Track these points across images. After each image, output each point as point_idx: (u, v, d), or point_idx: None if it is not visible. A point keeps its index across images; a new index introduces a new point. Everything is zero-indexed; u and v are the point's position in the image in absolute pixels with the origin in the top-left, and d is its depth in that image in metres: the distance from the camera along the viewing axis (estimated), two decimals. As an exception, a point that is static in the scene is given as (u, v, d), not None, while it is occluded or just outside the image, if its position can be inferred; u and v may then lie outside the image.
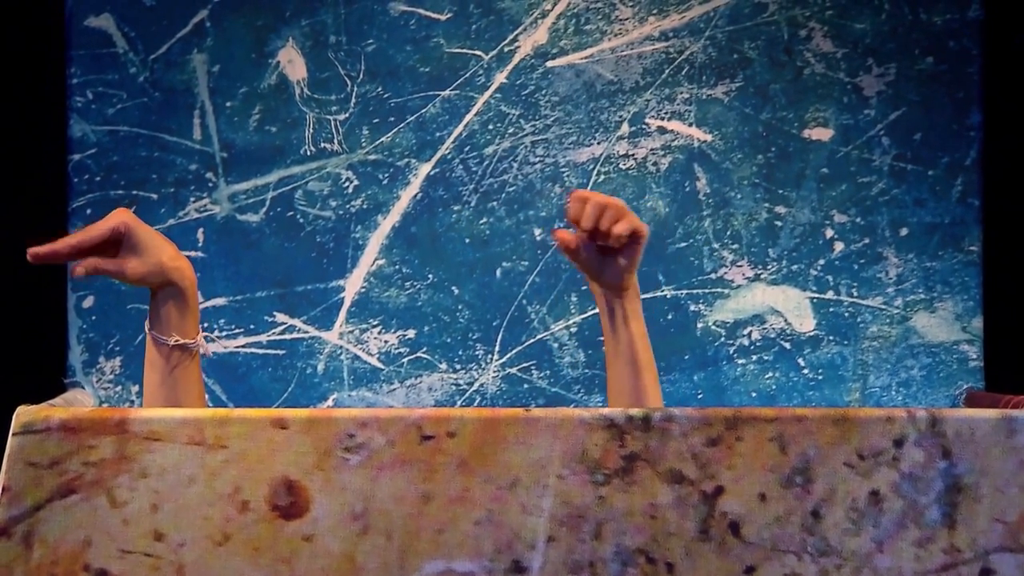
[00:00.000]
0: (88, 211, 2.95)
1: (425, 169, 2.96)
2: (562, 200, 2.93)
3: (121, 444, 1.20)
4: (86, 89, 2.99)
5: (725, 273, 2.90)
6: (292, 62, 2.99)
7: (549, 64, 2.96)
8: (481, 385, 2.92)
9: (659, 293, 2.89)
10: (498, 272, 2.92)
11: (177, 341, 1.88)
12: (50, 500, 1.19)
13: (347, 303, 2.95)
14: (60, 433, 1.21)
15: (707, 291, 2.90)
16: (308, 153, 2.97)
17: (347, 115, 2.98)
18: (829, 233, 2.90)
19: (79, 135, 2.98)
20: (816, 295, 2.89)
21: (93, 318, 2.96)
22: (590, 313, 2.89)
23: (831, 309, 2.89)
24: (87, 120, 2.98)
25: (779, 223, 2.90)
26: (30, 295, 2.91)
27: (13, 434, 1.21)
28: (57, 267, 2.93)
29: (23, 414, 1.22)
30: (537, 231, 2.92)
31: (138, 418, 1.21)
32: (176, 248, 1.84)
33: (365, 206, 2.96)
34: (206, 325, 2.96)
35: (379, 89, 2.98)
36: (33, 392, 2.64)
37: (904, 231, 2.88)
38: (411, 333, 2.94)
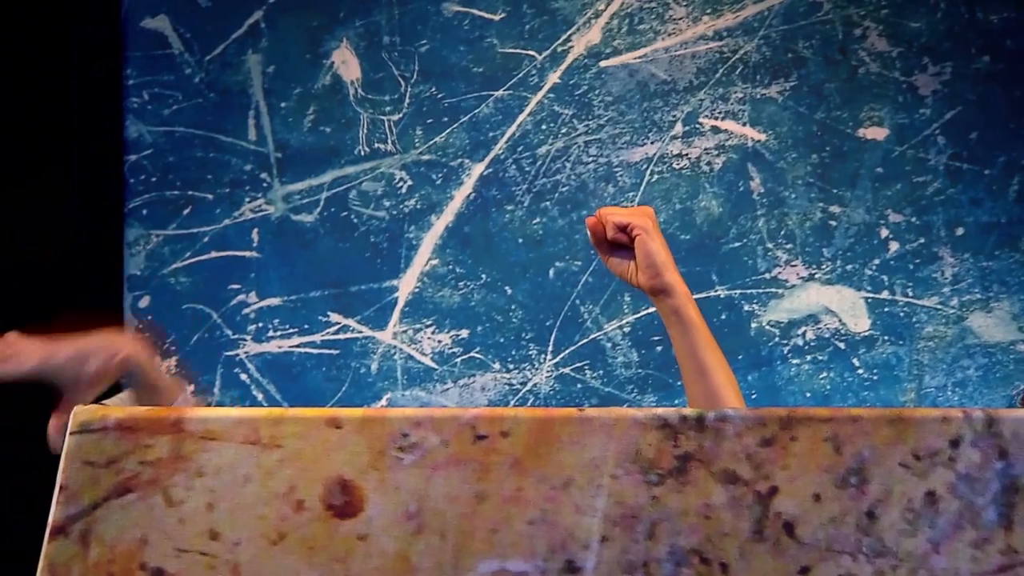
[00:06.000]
0: (144, 211, 2.97)
1: (478, 169, 2.96)
2: (615, 200, 2.93)
3: (177, 443, 1.21)
4: (142, 90, 3.01)
5: (779, 273, 2.89)
6: (346, 63, 3.00)
7: (602, 64, 2.96)
8: (534, 385, 2.92)
9: (713, 293, 2.89)
10: (551, 272, 2.92)
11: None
12: (107, 499, 1.20)
13: (401, 303, 2.96)
14: (117, 432, 1.21)
15: (761, 291, 2.89)
16: (362, 153, 2.98)
17: (401, 115, 2.98)
18: (884, 233, 2.88)
19: (135, 136, 3.00)
20: (871, 295, 2.87)
21: (149, 318, 2.97)
22: (643, 313, 2.89)
23: (886, 309, 2.87)
24: (143, 121, 3.00)
25: (833, 223, 2.89)
26: (87, 295, 2.93)
27: (71, 433, 1.22)
28: (114, 267, 2.96)
29: (80, 413, 1.23)
30: (590, 231, 2.92)
31: (194, 417, 1.22)
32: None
33: (419, 206, 2.96)
34: (260, 325, 2.97)
35: (433, 89, 2.99)
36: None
37: (960, 231, 2.87)
38: (464, 333, 2.95)
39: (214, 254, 2.98)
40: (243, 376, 2.97)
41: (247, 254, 2.98)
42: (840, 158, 2.90)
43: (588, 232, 2.02)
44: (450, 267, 2.95)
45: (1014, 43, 2.89)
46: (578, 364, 2.92)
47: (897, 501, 1.19)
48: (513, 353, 2.94)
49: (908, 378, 2.87)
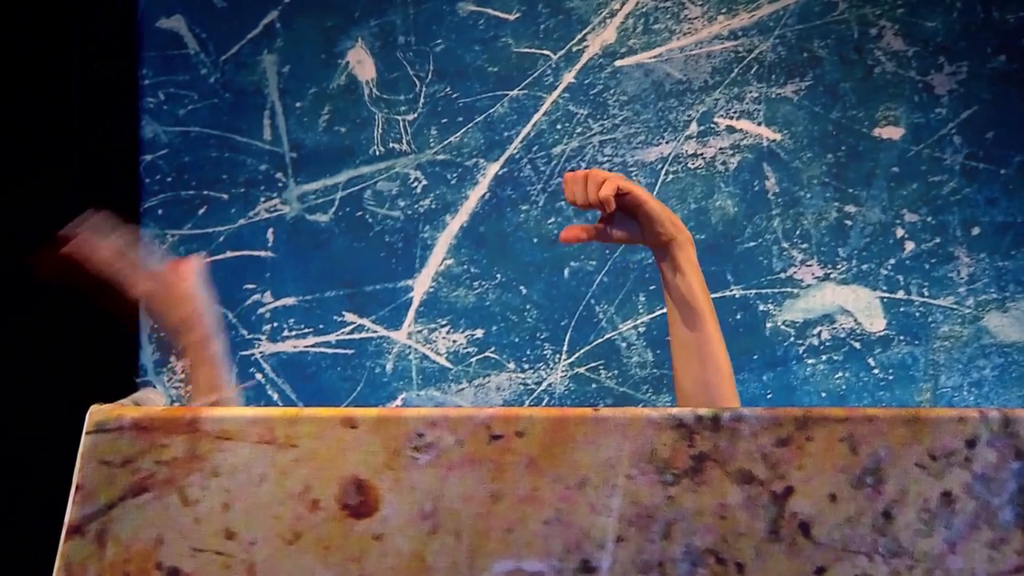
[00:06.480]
0: (160, 211, 2.98)
1: (493, 169, 2.96)
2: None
3: (193, 443, 1.21)
4: (158, 90, 3.01)
5: (794, 272, 2.89)
6: (361, 62, 3.00)
7: (617, 63, 2.96)
8: (549, 385, 2.92)
9: (728, 293, 2.88)
10: (566, 272, 2.92)
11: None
12: (123, 498, 1.20)
13: (415, 303, 2.96)
14: (132, 432, 1.22)
15: (776, 291, 2.89)
16: (377, 153, 2.98)
17: (416, 115, 2.99)
18: (900, 232, 2.88)
19: (151, 136, 3.00)
20: (886, 295, 2.87)
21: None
22: (659, 312, 2.88)
23: (902, 309, 2.87)
24: (159, 121, 3.00)
25: (849, 222, 2.89)
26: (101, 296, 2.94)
27: (86, 433, 1.22)
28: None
29: (96, 413, 1.23)
30: (605, 231, 2.91)
31: (209, 417, 1.22)
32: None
33: (433, 206, 2.96)
34: (275, 325, 2.97)
35: (447, 89, 2.99)
36: (105, 391, 2.67)
37: (976, 230, 2.86)
38: (479, 333, 2.95)
39: (229, 254, 2.98)
40: (258, 376, 2.97)
41: (262, 254, 2.98)
42: (855, 158, 2.90)
43: (571, 239, 2.05)
44: (465, 267, 2.95)
45: (1030, 42, 2.88)
46: (593, 364, 2.92)
47: (913, 501, 1.19)
48: (528, 353, 2.93)
49: (924, 378, 2.86)
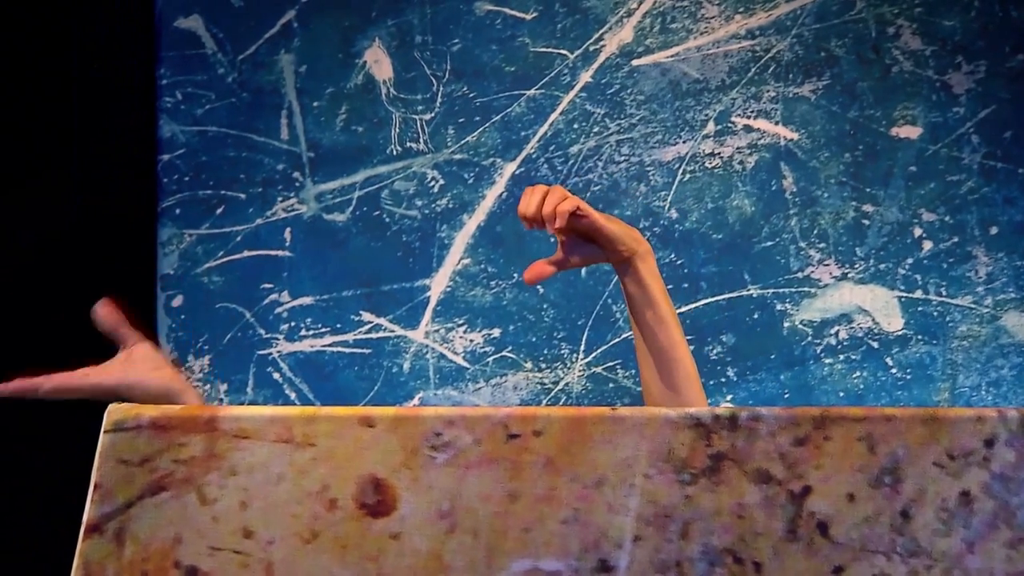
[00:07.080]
0: (177, 211, 2.98)
1: (510, 168, 2.96)
2: (647, 200, 2.92)
3: (211, 442, 1.21)
4: (175, 90, 3.02)
5: (812, 272, 2.88)
6: (378, 62, 3.01)
7: (635, 63, 2.96)
8: (566, 384, 2.92)
9: (745, 292, 2.88)
10: (583, 271, 2.92)
11: None
12: (141, 497, 1.20)
13: (433, 302, 2.96)
14: (151, 431, 1.22)
15: (794, 290, 2.88)
16: (394, 153, 2.98)
17: (433, 115, 2.99)
18: (917, 232, 2.87)
19: (168, 135, 3.01)
20: (904, 294, 2.86)
21: (182, 317, 2.98)
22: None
23: (919, 308, 2.86)
24: (176, 121, 3.01)
25: (867, 222, 2.88)
26: (119, 294, 2.94)
27: (105, 431, 1.22)
28: (147, 266, 2.97)
29: (114, 412, 1.23)
30: (622, 230, 2.91)
31: (227, 416, 1.22)
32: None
33: (451, 205, 2.96)
34: (293, 325, 2.98)
35: (465, 88, 2.99)
36: (123, 390, 2.67)
37: (994, 229, 2.85)
38: (496, 332, 2.95)
39: (247, 253, 2.99)
40: (275, 375, 2.98)
41: (279, 253, 2.99)
42: (873, 157, 2.89)
43: (537, 277, 2.08)
44: (482, 266, 2.95)
45: (1049, 41, 2.88)
46: (610, 363, 2.92)
47: (931, 501, 1.18)
48: (545, 352, 2.93)
49: (942, 377, 2.85)
